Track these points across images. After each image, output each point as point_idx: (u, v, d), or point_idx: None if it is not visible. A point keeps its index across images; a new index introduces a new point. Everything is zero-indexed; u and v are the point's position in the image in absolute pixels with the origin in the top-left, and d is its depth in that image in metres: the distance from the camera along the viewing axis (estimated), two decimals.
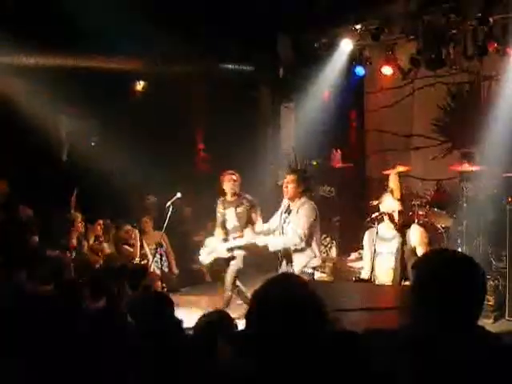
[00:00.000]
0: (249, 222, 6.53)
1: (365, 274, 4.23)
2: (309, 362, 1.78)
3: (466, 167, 7.70)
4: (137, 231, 8.37)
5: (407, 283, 3.96)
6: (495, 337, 1.94)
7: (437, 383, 1.80)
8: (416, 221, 7.34)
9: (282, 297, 1.84)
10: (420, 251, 4.08)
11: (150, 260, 7.97)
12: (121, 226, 8.50)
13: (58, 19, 7.35)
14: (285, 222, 5.57)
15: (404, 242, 4.06)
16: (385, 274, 4.05)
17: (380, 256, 4.06)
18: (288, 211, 5.58)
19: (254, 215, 6.53)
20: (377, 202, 4.45)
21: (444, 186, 8.48)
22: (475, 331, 1.90)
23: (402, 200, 4.28)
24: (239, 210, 6.58)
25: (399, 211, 4.24)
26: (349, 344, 2.06)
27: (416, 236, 4.03)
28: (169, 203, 6.70)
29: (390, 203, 4.27)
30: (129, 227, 8.35)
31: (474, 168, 7.64)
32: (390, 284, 4.01)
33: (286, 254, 5.53)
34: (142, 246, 8.38)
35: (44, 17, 7.62)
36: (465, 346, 1.84)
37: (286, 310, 1.79)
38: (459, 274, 1.90)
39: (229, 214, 6.66)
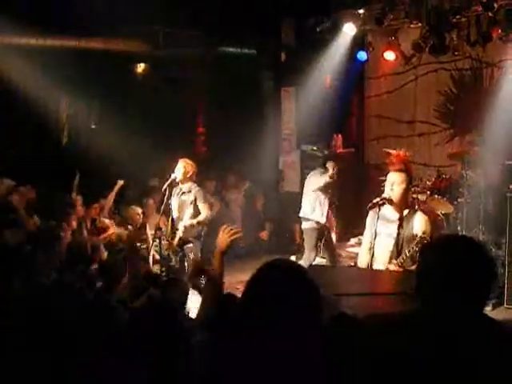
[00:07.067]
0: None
1: (363, 255, 4.17)
2: (308, 347, 1.77)
3: (468, 154, 7.68)
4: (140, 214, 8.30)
5: (392, 266, 3.94)
6: (498, 323, 1.94)
7: (440, 369, 1.80)
8: (417, 207, 7.32)
9: (280, 281, 1.83)
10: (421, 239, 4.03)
11: (150, 243, 7.92)
12: (123, 208, 8.46)
13: (59, 0, 7.29)
14: None
15: (401, 226, 4.02)
16: (382, 255, 4.02)
17: (379, 237, 4.03)
18: None
19: None
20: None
21: (445, 172, 8.45)
22: (480, 317, 1.90)
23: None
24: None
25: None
26: (349, 328, 2.06)
27: (420, 224, 3.99)
28: (165, 186, 6.63)
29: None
30: (135, 210, 8.27)
31: (476, 155, 7.61)
32: (387, 268, 3.99)
33: None
34: (144, 230, 8.32)
35: None
36: (469, 331, 1.84)
37: (283, 295, 1.78)
38: (466, 259, 1.89)
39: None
